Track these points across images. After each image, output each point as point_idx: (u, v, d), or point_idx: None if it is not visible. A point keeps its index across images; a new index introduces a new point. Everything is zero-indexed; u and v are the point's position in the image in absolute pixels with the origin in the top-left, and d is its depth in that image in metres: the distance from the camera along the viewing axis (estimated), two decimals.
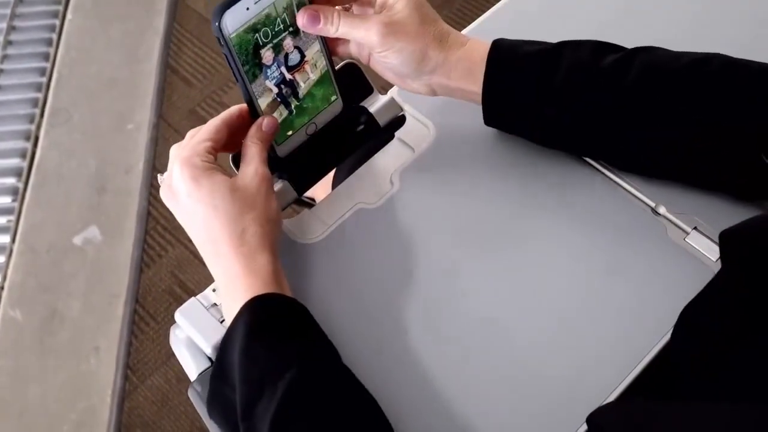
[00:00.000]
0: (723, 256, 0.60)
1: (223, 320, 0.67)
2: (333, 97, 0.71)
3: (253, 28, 0.63)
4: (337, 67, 0.73)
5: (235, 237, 0.62)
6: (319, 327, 0.62)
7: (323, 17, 0.64)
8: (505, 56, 0.67)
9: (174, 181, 0.64)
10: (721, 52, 0.65)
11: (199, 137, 0.65)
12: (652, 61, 0.65)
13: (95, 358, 1.52)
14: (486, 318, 0.65)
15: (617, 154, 0.69)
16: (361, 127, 0.74)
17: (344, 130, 0.73)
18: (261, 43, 0.64)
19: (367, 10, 0.68)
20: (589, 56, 0.66)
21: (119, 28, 2.00)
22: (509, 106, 0.69)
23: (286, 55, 0.66)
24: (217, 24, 0.61)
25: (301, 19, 0.64)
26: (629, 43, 0.67)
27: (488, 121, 0.71)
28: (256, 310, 0.60)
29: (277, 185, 0.71)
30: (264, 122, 0.67)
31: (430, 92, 0.71)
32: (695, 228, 0.67)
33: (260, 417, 0.56)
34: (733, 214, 0.67)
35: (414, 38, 0.66)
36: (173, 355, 1.51)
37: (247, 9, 0.61)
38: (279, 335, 0.59)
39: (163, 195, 0.66)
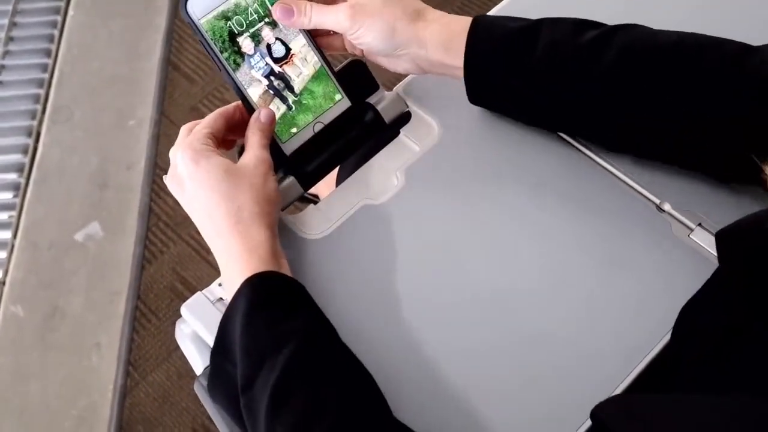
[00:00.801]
0: (720, 255, 0.60)
1: None
2: (337, 96, 0.72)
3: (224, 16, 0.67)
4: (342, 65, 0.74)
5: (232, 215, 0.64)
6: (317, 306, 0.63)
7: (296, 9, 0.69)
8: (483, 34, 0.68)
9: (178, 168, 0.67)
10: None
11: (197, 127, 0.68)
12: (630, 42, 0.65)
13: (96, 355, 1.53)
14: (490, 313, 0.65)
15: (601, 136, 0.71)
16: (367, 123, 0.74)
17: (350, 126, 0.73)
18: (236, 31, 0.68)
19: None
20: (568, 35, 0.66)
21: (120, 25, 2.00)
22: (489, 85, 0.70)
23: (269, 46, 0.69)
24: (184, 10, 0.66)
25: (276, 13, 0.69)
26: None
27: (472, 99, 0.72)
28: (256, 287, 0.61)
29: (284, 181, 0.72)
30: (261, 113, 0.69)
31: (418, 69, 0.72)
32: (699, 224, 0.68)
33: (260, 389, 0.58)
34: (737, 210, 0.67)
35: (380, 14, 0.68)
36: (174, 351, 1.52)
37: None
38: (279, 311, 0.61)
39: (169, 185, 0.69)
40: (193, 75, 1.90)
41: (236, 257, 0.63)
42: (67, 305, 1.58)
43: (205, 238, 0.67)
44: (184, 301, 0.69)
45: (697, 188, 0.69)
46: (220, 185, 0.64)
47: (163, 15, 2.00)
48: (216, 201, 0.64)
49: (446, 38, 0.68)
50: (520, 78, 0.67)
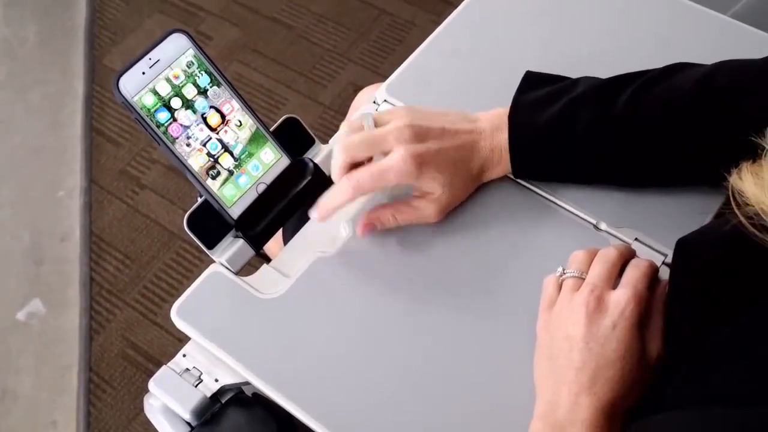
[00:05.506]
0: (674, 264, 0.62)
1: (198, 383, 0.68)
2: (276, 155, 0.74)
3: (157, 91, 0.69)
4: (276, 123, 0.76)
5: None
6: None
7: (380, 225, 0.73)
8: (523, 140, 0.72)
9: (612, 305, 0.60)
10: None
11: (643, 274, 0.62)
12: (661, 98, 0.69)
13: None
14: (448, 360, 0.67)
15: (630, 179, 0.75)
16: (308, 178, 0.76)
17: (292, 182, 0.75)
18: (171, 105, 0.69)
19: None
20: (599, 109, 0.70)
21: (38, 95, 1.98)
22: (541, 176, 0.76)
23: (204, 115, 0.71)
24: (117, 90, 0.66)
25: (360, 230, 0.73)
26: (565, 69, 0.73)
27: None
28: None
29: (234, 245, 0.73)
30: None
31: None
32: (636, 239, 0.71)
33: None
34: (669, 223, 0.71)
35: (462, 196, 0.74)
36: (135, 418, 1.50)
37: (143, 73, 0.68)
38: None
39: (583, 302, 0.61)
40: (118, 138, 1.89)
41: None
42: (18, 386, 1.55)
43: (558, 377, 0.60)
44: (138, 367, 0.69)
45: (629, 205, 0.73)
46: (625, 366, 0.58)
47: (80, 80, 1.99)
48: (612, 375, 0.58)
49: (498, 164, 0.74)
50: (566, 161, 0.73)
